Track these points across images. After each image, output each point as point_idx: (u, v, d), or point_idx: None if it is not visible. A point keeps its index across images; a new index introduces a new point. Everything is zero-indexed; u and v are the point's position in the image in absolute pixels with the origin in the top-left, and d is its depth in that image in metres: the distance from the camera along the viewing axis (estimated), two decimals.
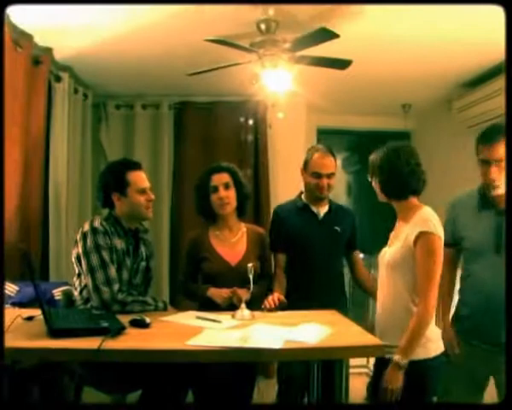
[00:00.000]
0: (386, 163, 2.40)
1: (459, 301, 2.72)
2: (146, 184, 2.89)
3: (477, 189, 2.62)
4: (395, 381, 2.25)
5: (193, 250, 3.05)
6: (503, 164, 2.34)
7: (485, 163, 2.40)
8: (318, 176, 3.04)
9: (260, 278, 2.92)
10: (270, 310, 2.75)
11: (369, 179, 2.53)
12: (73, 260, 2.79)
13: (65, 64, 4.08)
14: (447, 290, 2.73)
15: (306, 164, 3.11)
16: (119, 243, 2.79)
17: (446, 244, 2.52)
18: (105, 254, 2.70)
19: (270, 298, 2.80)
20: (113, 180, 2.84)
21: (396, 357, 2.24)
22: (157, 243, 4.81)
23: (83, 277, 2.74)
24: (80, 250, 2.72)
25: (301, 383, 2.93)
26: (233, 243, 3.04)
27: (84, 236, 2.73)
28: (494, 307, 2.42)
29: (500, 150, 2.35)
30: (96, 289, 2.65)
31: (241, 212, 3.11)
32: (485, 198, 2.56)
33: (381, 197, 2.50)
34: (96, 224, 2.76)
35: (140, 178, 2.86)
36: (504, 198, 2.38)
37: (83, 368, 2.57)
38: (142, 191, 2.84)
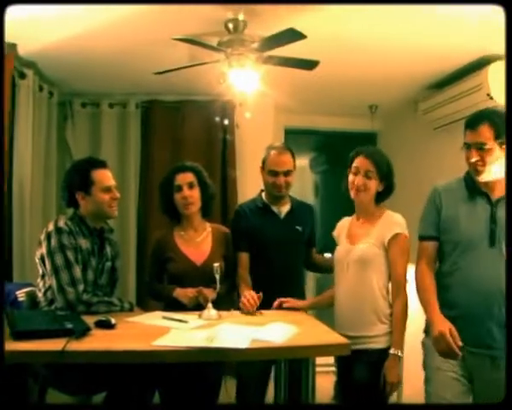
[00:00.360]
0: (392, 171, 2.68)
1: (440, 300, 2.37)
2: (111, 182, 2.86)
3: (463, 176, 2.49)
4: (396, 373, 2.43)
5: (158, 250, 3.03)
6: (487, 149, 2.26)
7: (468, 147, 2.33)
8: (275, 174, 3.02)
9: (225, 278, 2.91)
10: (251, 312, 2.70)
11: (361, 176, 2.62)
12: (37, 260, 2.75)
13: (29, 59, 4.00)
14: (432, 288, 2.39)
15: (264, 162, 3.09)
16: (84, 243, 2.76)
17: (428, 238, 2.47)
18: (70, 255, 2.66)
19: (246, 299, 2.72)
20: (77, 179, 2.80)
21: (393, 350, 2.44)
22: (124, 243, 4.77)
23: (47, 277, 2.70)
24: (44, 250, 2.69)
25: (260, 379, 2.94)
26: (198, 242, 3.02)
27: (49, 236, 2.69)
28: (490, 305, 2.23)
29: (481, 135, 2.28)
30: (60, 289, 2.62)
31: (205, 212, 3.10)
32: (472, 185, 2.40)
33: (364, 198, 2.64)
34: (61, 223, 2.72)
35: (105, 177, 2.83)
36: (494, 186, 2.33)
37: (47, 370, 2.53)
38: (107, 190, 2.82)
